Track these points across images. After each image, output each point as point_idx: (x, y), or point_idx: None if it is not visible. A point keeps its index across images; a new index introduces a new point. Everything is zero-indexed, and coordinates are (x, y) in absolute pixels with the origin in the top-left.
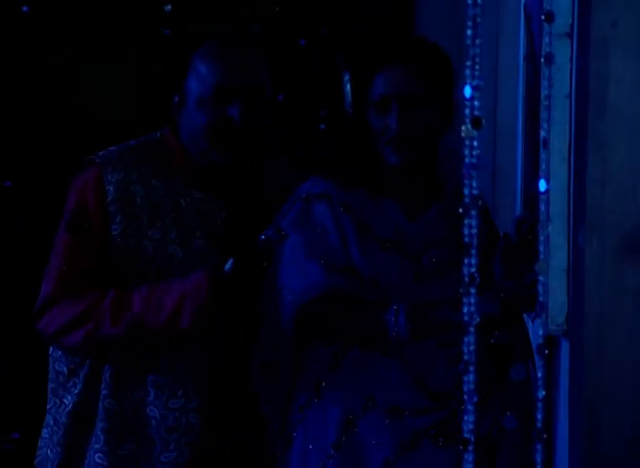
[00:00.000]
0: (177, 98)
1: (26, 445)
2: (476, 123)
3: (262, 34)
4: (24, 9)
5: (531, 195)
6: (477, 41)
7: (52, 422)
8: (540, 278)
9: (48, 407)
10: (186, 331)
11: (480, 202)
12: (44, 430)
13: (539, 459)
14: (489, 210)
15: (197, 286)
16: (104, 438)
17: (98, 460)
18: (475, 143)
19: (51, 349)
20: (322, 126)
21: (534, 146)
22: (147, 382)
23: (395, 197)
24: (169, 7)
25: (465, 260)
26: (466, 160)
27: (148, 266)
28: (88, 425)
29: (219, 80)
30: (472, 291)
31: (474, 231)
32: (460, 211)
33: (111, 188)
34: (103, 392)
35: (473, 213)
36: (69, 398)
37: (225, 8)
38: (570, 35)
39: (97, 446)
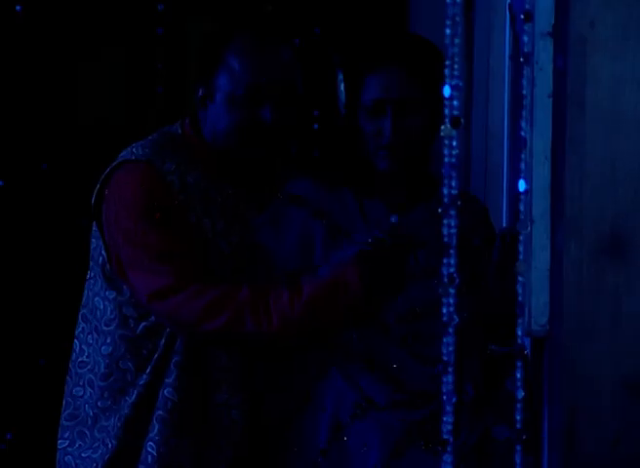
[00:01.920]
0: (201, 92)
1: (19, 445)
2: (455, 122)
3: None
4: (17, 8)
5: (516, 195)
6: (456, 41)
7: (115, 419)
8: (520, 278)
9: (101, 406)
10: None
11: (478, 205)
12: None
13: (518, 460)
14: (487, 212)
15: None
16: (159, 427)
17: (149, 449)
18: (454, 143)
19: (110, 349)
20: (315, 125)
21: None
22: (199, 375)
23: (383, 198)
24: (162, 6)
25: (445, 261)
26: (445, 159)
27: (200, 257)
28: (147, 415)
29: (252, 79)
30: (451, 291)
31: (453, 231)
32: (440, 210)
33: (174, 178)
34: (166, 380)
35: (452, 212)
36: (135, 391)
37: (217, 7)
38: (552, 35)
39: (151, 434)
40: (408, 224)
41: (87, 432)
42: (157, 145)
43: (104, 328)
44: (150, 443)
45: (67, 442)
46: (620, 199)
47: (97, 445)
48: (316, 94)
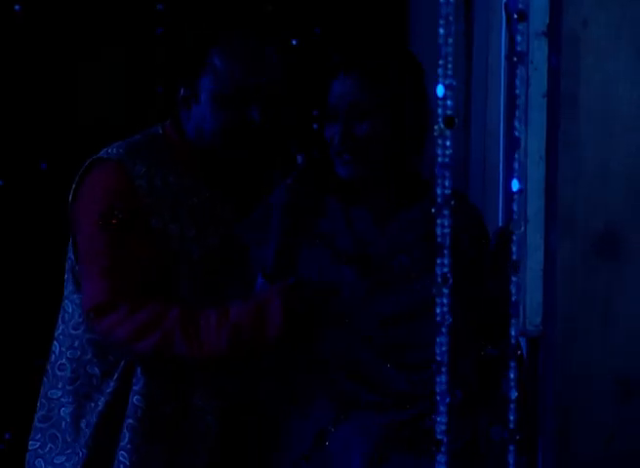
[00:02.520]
0: (185, 92)
1: (18, 445)
2: (448, 122)
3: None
4: (16, 8)
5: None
6: (449, 40)
7: (84, 425)
8: (513, 278)
9: (70, 410)
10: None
11: (470, 204)
12: (61, 435)
13: (511, 460)
14: (479, 212)
15: (271, 304)
16: (129, 435)
17: (121, 458)
18: (447, 143)
19: (78, 353)
20: (315, 126)
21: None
22: (169, 381)
23: (367, 204)
24: (161, 6)
25: (438, 260)
26: (439, 159)
27: (168, 262)
28: (117, 423)
29: (239, 80)
30: (445, 291)
31: (447, 231)
32: (433, 211)
33: (142, 182)
34: (134, 387)
35: (445, 212)
36: (102, 398)
37: (217, 7)
38: (547, 34)
39: (122, 443)
40: (393, 229)
41: (59, 435)
42: (133, 146)
43: (72, 331)
44: (122, 452)
45: (39, 443)
46: (613, 199)
47: (69, 451)
48: (317, 95)
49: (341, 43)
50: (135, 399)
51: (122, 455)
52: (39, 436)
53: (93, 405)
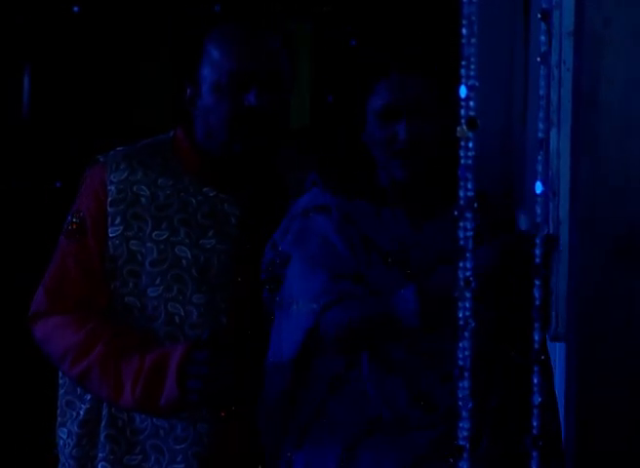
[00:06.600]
0: (189, 90)
1: None
2: (472, 124)
3: (313, 34)
4: (75, 9)
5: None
6: (472, 40)
7: (65, 435)
8: (536, 282)
9: (61, 420)
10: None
11: (501, 207)
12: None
13: (534, 467)
14: (512, 214)
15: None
16: (110, 447)
17: None
18: (470, 144)
19: None
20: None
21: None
22: None
23: (401, 207)
24: (218, 7)
25: (460, 264)
26: (462, 161)
27: (154, 268)
28: (97, 433)
29: (233, 65)
30: (467, 295)
31: (470, 234)
32: (455, 213)
33: (113, 188)
34: None
35: (468, 215)
36: (83, 407)
37: (274, 7)
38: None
39: (101, 454)
40: (430, 232)
41: None
42: (132, 149)
43: None
44: (103, 463)
45: None
46: (635, 201)
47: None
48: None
49: (394, 43)
50: (113, 409)
51: (103, 466)
52: None
53: (74, 414)
